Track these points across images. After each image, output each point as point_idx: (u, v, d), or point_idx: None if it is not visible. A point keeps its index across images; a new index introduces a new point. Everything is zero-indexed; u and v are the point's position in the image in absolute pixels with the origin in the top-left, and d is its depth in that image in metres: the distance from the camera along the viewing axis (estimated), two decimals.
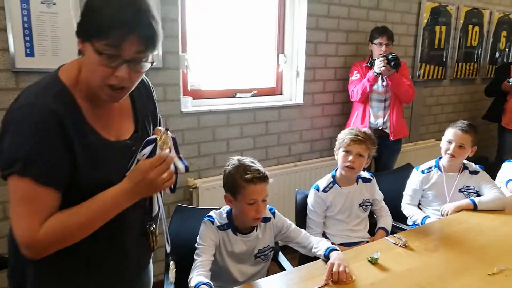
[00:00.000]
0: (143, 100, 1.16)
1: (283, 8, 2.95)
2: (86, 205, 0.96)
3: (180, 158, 1.07)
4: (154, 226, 1.19)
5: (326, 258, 1.51)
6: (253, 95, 2.90)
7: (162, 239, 1.24)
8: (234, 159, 1.61)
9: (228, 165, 1.60)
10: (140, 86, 1.09)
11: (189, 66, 2.56)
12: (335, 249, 1.53)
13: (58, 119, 0.92)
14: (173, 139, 1.06)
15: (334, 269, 1.40)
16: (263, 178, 1.53)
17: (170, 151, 1.02)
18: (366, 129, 2.05)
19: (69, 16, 2.02)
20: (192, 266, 1.44)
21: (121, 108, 1.10)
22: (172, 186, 1.07)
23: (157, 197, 1.15)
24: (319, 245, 1.58)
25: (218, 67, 2.77)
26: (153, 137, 1.04)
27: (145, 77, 1.14)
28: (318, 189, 2.02)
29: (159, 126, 1.23)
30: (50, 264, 1.01)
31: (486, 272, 1.49)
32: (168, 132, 1.04)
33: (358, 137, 1.94)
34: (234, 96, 2.83)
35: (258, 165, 1.57)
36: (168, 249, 1.20)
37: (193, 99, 2.60)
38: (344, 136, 1.99)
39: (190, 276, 1.39)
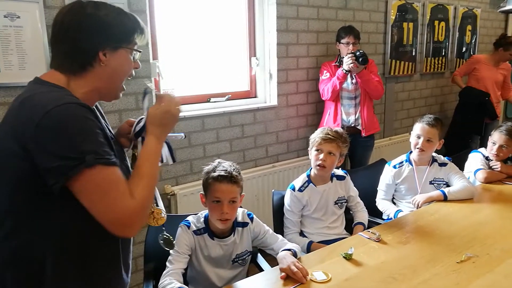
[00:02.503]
0: (99, 110, 1.21)
1: (253, 11, 2.98)
2: (142, 165, 1.06)
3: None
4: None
5: None
6: (227, 99, 2.92)
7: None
8: (216, 161, 1.66)
9: (208, 165, 1.65)
10: None
11: (161, 73, 2.56)
12: (287, 250, 1.57)
13: (92, 112, 1.00)
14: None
15: (292, 271, 1.42)
16: (229, 178, 1.55)
17: None
18: (338, 128, 2.10)
19: (36, 28, 2.00)
20: (163, 273, 1.45)
21: None
22: (173, 157, 1.22)
23: None
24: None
25: (190, 72, 2.78)
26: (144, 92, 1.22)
27: None
28: (294, 189, 2.05)
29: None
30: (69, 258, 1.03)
31: (455, 260, 1.55)
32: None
33: (329, 135, 1.98)
34: (208, 101, 2.84)
35: (232, 168, 1.60)
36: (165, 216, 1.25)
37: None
38: (316, 135, 2.03)
39: (161, 283, 1.40)
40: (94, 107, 1.18)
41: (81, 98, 1.03)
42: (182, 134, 1.24)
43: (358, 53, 2.81)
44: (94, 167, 0.93)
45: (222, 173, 1.56)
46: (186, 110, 2.71)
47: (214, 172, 1.57)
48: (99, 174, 0.94)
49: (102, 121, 1.19)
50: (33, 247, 0.99)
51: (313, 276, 1.43)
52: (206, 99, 2.83)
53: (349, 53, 2.84)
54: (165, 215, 1.24)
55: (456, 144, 3.90)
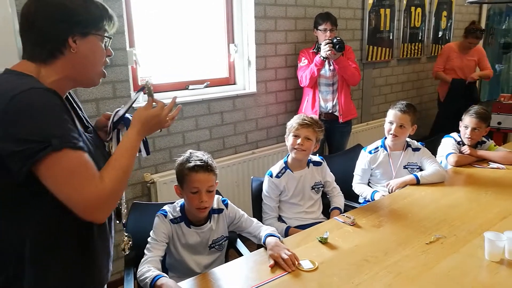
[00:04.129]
0: (74, 100, 1.22)
1: None
2: (117, 155, 1.07)
3: None
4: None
5: (265, 244, 1.58)
6: (206, 86, 2.91)
7: (116, 237, 1.29)
8: (187, 152, 1.66)
9: (180, 157, 1.65)
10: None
11: (138, 61, 2.53)
12: (272, 235, 1.59)
13: (60, 98, 1.01)
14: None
15: (283, 259, 1.44)
16: (205, 167, 1.57)
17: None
18: (314, 115, 2.14)
19: (5, 16, 1.95)
20: (141, 260, 1.48)
21: None
22: (146, 149, 1.27)
23: None
24: (263, 233, 1.64)
25: (168, 60, 2.76)
26: (118, 109, 1.22)
27: None
28: (271, 175, 2.09)
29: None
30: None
31: (425, 241, 1.62)
32: None
33: (305, 121, 2.03)
34: (187, 88, 2.83)
35: (206, 157, 1.62)
36: (124, 220, 1.30)
37: (144, 93, 2.58)
38: (292, 122, 2.08)
39: (140, 270, 1.43)
40: (68, 95, 1.19)
41: (51, 87, 1.02)
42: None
43: (335, 40, 2.84)
44: (61, 150, 0.94)
45: (198, 163, 1.57)
46: (164, 98, 2.68)
47: (189, 162, 1.58)
48: (66, 157, 0.95)
49: (77, 111, 1.20)
50: (10, 236, 1.01)
51: (300, 265, 1.46)
52: (184, 86, 2.82)
53: (327, 40, 2.86)
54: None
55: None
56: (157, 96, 2.60)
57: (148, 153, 1.27)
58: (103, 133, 1.28)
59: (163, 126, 1.20)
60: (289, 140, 2.09)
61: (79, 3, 1.05)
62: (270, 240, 1.56)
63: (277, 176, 2.08)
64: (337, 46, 2.82)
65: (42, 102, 0.95)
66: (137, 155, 1.25)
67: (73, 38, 1.04)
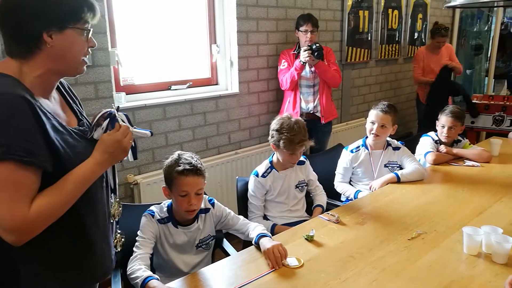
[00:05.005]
0: (69, 93, 1.22)
1: None
2: (66, 182, 1.01)
3: (137, 128, 1.21)
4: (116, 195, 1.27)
5: (257, 244, 1.59)
6: (188, 87, 2.91)
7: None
8: (176, 153, 1.65)
9: (168, 158, 1.65)
10: (62, 82, 1.20)
11: (120, 61, 2.51)
12: (265, 235, 1.60)
13: (29, 103, 0.96)
14: (126, 115, 1.18)
15: (273, 255, 1.47)
16: (195, 171, 1.57)
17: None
18: (302, 122, 2.07)
19: None
20: (131, 258, 1.47)
21: (58, 100, 1.16)
22: (134, 154, 1.23)
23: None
24: (253, 232, 1.65)
25: (151, 60, 2.75)
26: (107, 111, 1.14)
27: None
28: (257, 175, 2.11)
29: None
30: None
31: (407, 237, 1.68)
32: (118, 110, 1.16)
33: (302, 142, 1.99)
34: (169, 89, 2.82)
35: (195, 159, 1.62)
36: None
37: (127, 94, 2.57)
38: (286, 140, 1.97)
39: (130, 267, 1.42)
40: (64, 87, 1.19)
41: (35, 82, 1.02)
42: (149, 132, 1.24)
43: (314, 47, 2.88)
44: (3, 161, 0.91)
45: (187, 166, 1.56)
46: (147, 99, 2.68)
47: (179, 166, 1.57)
48: (4, 169, 0.91)
49: (71, 104, 1.19)
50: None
51: (286, 262, 1.49)
52: (167, 86, 2.82)
53: (305, 47, 2.90)
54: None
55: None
56: (141, 96, 2.65)
57: (135, 157, 1.24)
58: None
59: (125, 152, 1.13)
60: (281, 155, 2.07)
61: None
62: (263, 240, 1.56)
63: (263, 176, 2.10)
64: (315, 53, 2.87)
65: (2, 109, 0.92)
66: (125, 158, 1.23)
67: (49, 33, 1.01)
